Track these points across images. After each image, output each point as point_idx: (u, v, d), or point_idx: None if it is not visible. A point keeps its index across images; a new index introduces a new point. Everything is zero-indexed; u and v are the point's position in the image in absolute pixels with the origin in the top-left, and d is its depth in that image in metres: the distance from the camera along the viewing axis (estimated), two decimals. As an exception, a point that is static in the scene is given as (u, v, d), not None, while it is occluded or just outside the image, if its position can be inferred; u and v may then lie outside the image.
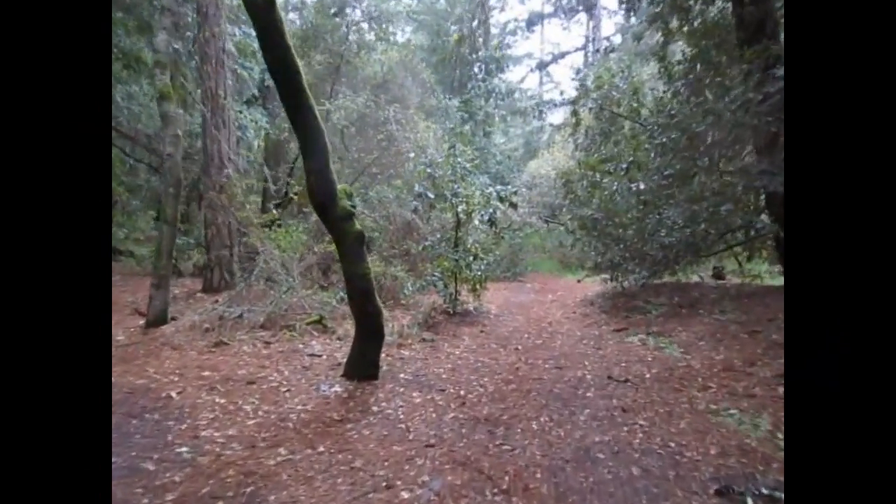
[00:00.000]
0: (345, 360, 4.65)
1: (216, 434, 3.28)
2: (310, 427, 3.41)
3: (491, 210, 6.64)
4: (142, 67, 9.75)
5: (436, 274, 7.36)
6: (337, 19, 11.05)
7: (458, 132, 8.75)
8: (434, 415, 3.64)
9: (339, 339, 5.61)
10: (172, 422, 3.46)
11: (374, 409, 3.76)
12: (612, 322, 6.80)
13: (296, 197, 8.58)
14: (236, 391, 4.05)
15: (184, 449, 3.06)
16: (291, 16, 12.16)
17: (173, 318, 6.30)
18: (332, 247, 5.21)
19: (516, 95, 24.47)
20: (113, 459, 2.89)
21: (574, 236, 9.65)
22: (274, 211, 8.04)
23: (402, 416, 3.60)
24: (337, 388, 4.12)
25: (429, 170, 7.19)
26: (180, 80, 9.83)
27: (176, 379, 4.30)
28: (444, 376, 4.58)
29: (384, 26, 13.86)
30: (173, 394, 3.92)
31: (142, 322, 6.20)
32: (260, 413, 3.64)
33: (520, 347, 5.74)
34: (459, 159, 7.38)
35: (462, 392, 4.12)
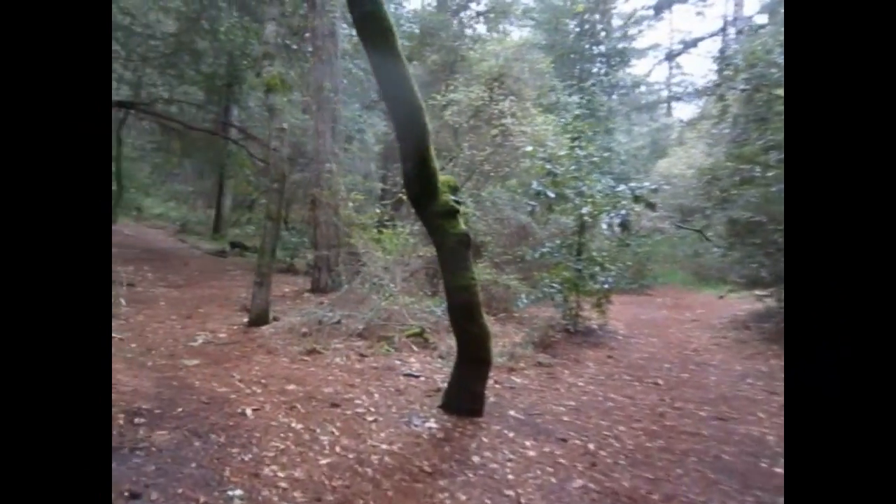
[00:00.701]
0: (445, 385, 3.87)
1: (280, 474, 2.64)
2: (392, 479, 2.65)
3: (623, 212, 5.50)
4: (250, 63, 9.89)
5: (553, 285, 6.35)
6: (454, 8, 10.50)
7: (581, 122, 7.66)
8: (554, 479, 2.70)
9: (440, 357, 4.85)
10: (237, 449, 2.90)
11: (475, 459, 2.91)
12: (782, 354, 5.30)
13: (405, 197, 8.06)
14: (317, 414, 3.43)
15: (237, 493, 2.45)
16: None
17: (275, 319, 5.99)
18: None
19: (642, 89, 22.39)
20: (153, 495, 2.36)
21: (717, 243, 8.04)
22: (378, 210, 7.55)
23: (510, 477, 2.70)
24: (432, 424, 3.33)
25: (548, 166, 6.21)
26: (289, 74, 9.85)
27: (258, 391, 3.82)
28: (565, 418, 3.61)
29: (498, 25, 13.14)
30: (249, 411, 3.40)
31: (246, 320, 5.98)
32: (337, 449, 2.97)
33: (661, 382, 4.56)
34: (584, 153, 6.32)
35: (591, 446, 3.12)
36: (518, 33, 15.77)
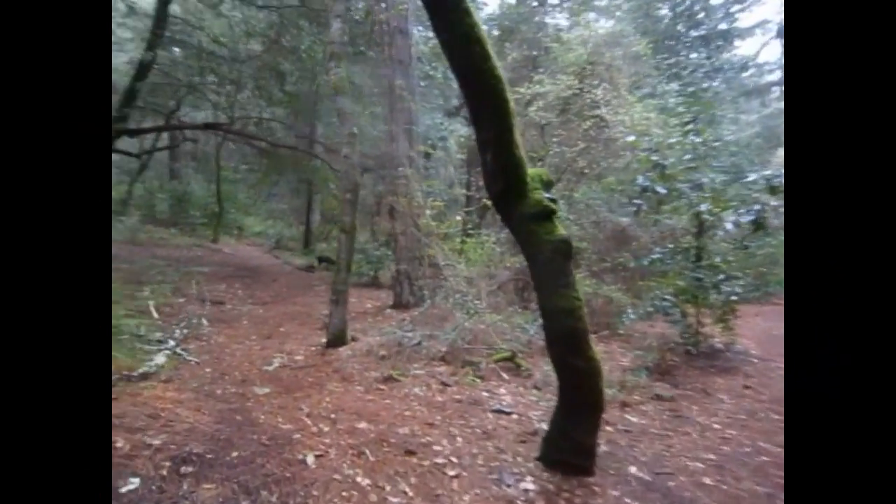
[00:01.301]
0: (542, 426, 3.13)
1: (336, 557, 2.06)
2: (478, 573, 1.97)
3: (757, 207, 4.42)
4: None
5: (666, 297, 5.34)
6: (535, 4, 9.76)
7: (699, 101, 6.57)
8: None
9: (535, 387, 4.10)
10: (290, 513, 2.38)
11: (590, 546, 2.14)
12: None
13: (489, 203, 7.41)
14: (388, 464, 2.84)
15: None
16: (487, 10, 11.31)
17: (353, 339, 5.57)
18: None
19: (750, 72, 20.02)
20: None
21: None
22: (459, 218, 6.94)
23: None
24: (529, 485, 2.60)
25: (655, 157, 5.25)
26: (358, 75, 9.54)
27: (325, 429, 3.31)
28: (706, 480, 2.72)
29: (582, 15, 12.17)
30: (310, 458, 2.88)
31: (324, 340, 5.60)
32: (409, 519, 2.34)
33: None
34: (699, 139, 5.29)
35: (755, 532, 2.24)
36: (604, 24, 14.65)
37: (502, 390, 4.08)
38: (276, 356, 5.07)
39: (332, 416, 3.54)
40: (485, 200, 6.73)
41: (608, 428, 3.39)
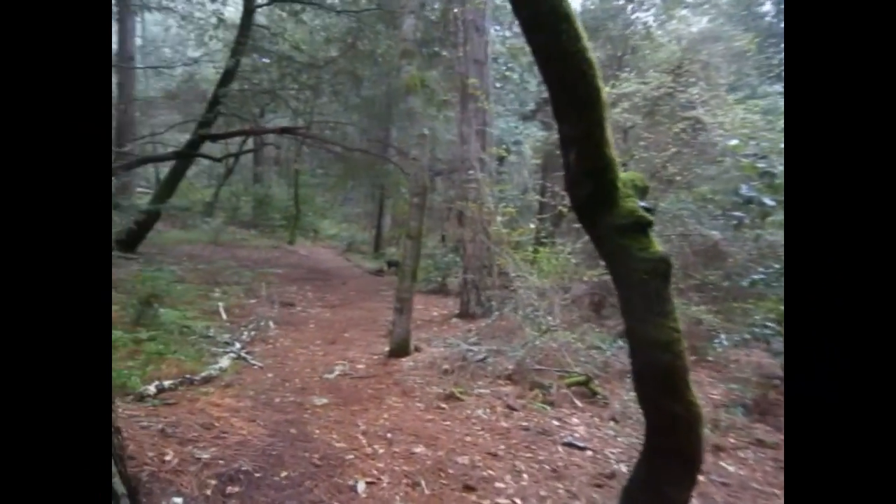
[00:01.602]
0: (621, 467, 2.71)
1: None
2: None
3: None
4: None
5: (768, 324, 4.66)
6: (622, 1, 9.19)
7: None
8: None
9: (613, 419, 3.65)
10: (334, 553, 2.14)
11: None
12: None
13: (565, 210, 6.95)
14: (444, 501, 2.54)
15: None
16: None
17: (417, 349, 5.35)
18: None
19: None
20: None
21: None
22: (532, 225, 6.54)
23: None
24: (606, 547, 2.21)
25: (761, 164, 4.61)
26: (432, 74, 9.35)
27: (380, 450, 3.07)
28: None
29: (674, 12, 11.35)
30: (361, 485, 2.64)
31: (387, 349, 5.42)
32: (464, 574, 2.03)
33: None
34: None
35: None
36: (698, 20, 13.63)
37: (575, 420, 3.66)
38: (337, 364, 4.94)
39: (389, 435, 3.31)
40: (560, 208, 6.31)
41: (700, 477, 2.89)
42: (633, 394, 2.87)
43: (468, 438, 3.32)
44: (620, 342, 4.80)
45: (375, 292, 9.25)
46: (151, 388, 3.49)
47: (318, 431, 3.31)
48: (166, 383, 3.67)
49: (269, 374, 4.53)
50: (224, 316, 5.57)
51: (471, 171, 5.89)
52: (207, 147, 9.66)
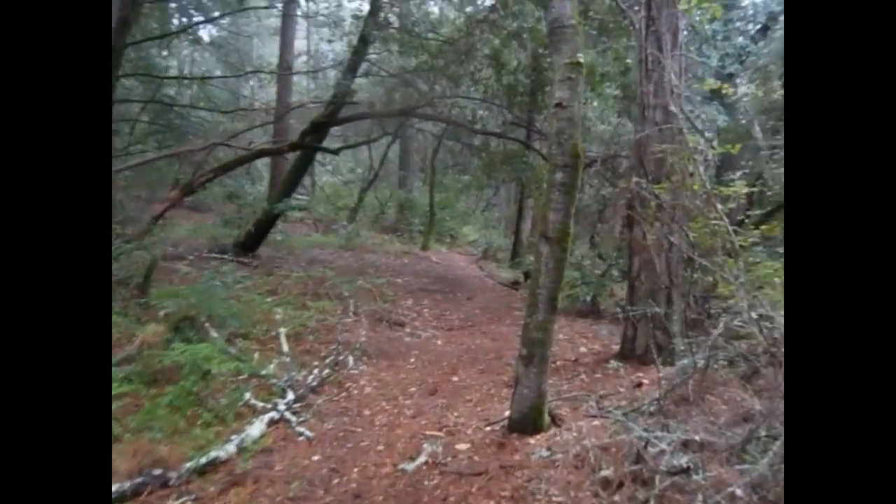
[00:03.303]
0: None
1: None
2: None
3: None
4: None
5: None
6: None
7: None
8: None
9: None
10: None
11: None
12: None
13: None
14: None
15: None
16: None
17: (555, 421, 3.19)
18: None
19: None
20: None
21: None
22: (752, 225, 3.91)
23: None
24: None
25: None
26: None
27: None
28: None
29: None
30: None
31: (507, 415, 3.33)
32: None
33: None
34: None
35: None
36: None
37: None
38: (428, 439, 3.01)
39: None
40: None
41: None
42: None
43: None
44: None
45: (506, 310, 7.18)
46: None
47: None
48: (113, 486, 2.05)
49: (316, 457, 2.77)
50: (285, 347, 3.98)
51: (658, 126, 3.39)
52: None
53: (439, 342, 5.38)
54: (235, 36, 22.14)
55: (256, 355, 3.90)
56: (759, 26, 9.60)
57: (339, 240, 11.63)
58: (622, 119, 10.38)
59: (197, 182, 7.17)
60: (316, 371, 3.89)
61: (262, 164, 15.87)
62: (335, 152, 7.73)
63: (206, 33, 17.85)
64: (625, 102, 9.61)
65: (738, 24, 9.44)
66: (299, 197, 18.89)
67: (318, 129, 7.10)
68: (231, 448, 2.65)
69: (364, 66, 9.40)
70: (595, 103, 9.91)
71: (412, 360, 4.61)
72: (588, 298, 6.64)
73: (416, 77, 9.59)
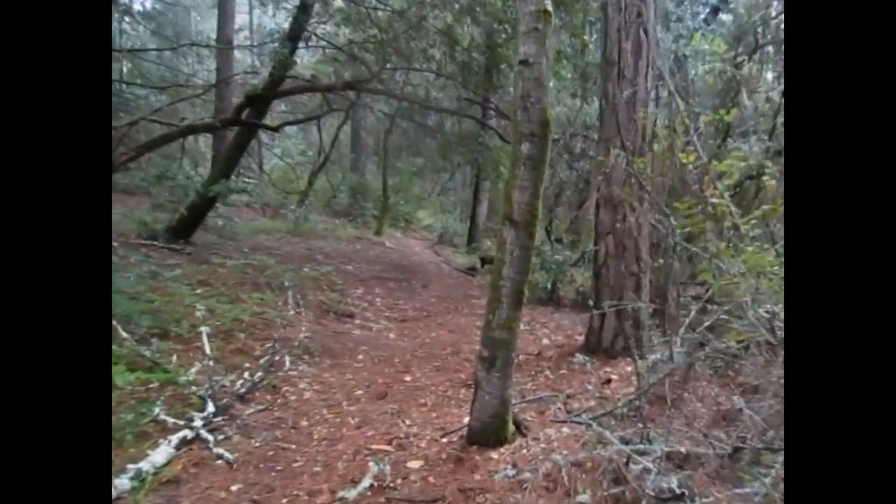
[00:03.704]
0: None
1: None
2: None
3: None
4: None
5: None
6: None
7: None
8: None
9: None
10: None
11: None
12: None
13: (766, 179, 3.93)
14: None
15: None
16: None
17: (520, 429, 2.79)
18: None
19: None
20: None
21: None
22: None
23: None
24: None
25: None
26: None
27: None
28: None
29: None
30: None
31: (466, 421, 2.90)
32: None
33: None
34: None
35: None
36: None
37: None
38: (374, 459, 2.54)
39: None
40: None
41: None
42: None
43: None
44: None
45: (464, 299, 6.78)
46: None
47: None
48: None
49: (236, 486, 2.25)
50: (208, 349, 3.38)
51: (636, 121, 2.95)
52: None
53: (392, 335, 4.90)
54: (172, 7, 20.38)
55: (175, 358, 3.28)
56: (709, 9, 9.50)
57: (288, 225, 10.88)
58: (577, 100, 10.13)
59: (118, 161, 6.30)
60: (247, 375, 3.32)
61: (206, 146, 14.75)
62: (275, 129, 6.99)
63: (138, 4, 16.32)
64: (580, 83, 9.34)
65: (689, 6, 9.30)
66: (247, 180, 17.77)
67: (255, 104, 6.35)
68: (124, 482, 2.09)
69: (309, 40, 8.65)
70: (551, 84, 9.59)
71: (360, 357, 4.11)
72: (549, 286, 6.31)
73: (365, 53, 8.92)
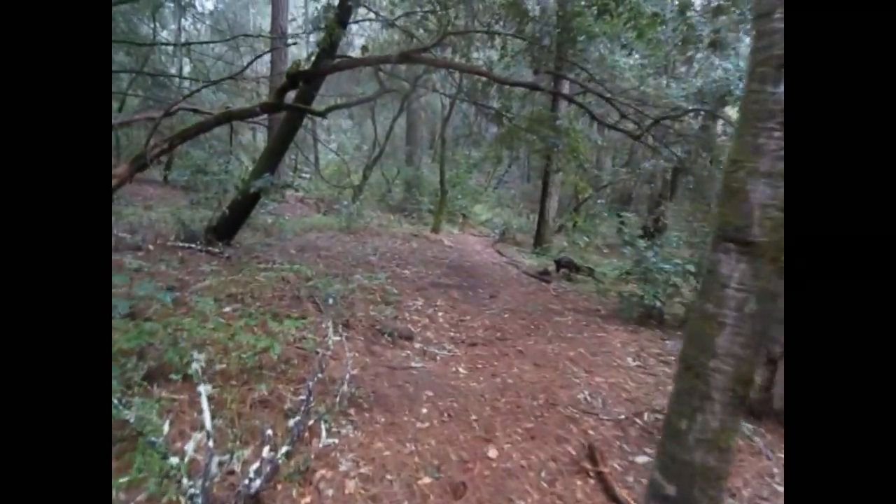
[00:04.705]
0: None
1: None
2: None
3: None
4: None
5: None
6: None
7: None
8: None
9: None
10: None
11: None
12: None
13: None
14: None
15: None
16: None
17: None
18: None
19: None
20: None
21: None
22: None
23: None
24: None
25: None
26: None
27: None
28: None
29: None
30: None
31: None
32: None
33: None
34: None
35: None
36: None
37: None
38: None
39: None
40: None
41: None
42: None
43: None
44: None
45: (544, 314, 5.50)
46: None
47: None
48: None
49: None
50: (208, 422, 2.30)
51: None
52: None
53: (461, 369, 3.74)
54: (230, 5, 20.07)
55: (167, 426, 2.26)
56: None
57: (341, 221, 10.00)
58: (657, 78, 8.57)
59: (152, 154, 5.49)
60: (266, 450, 2.25)
61: (263, 140, 14.27)
62: (322, 115, 5.97)
63: (198, 4, 16.06)
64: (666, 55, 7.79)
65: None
66: (304, 175, 17.20)
67: (297, 84, 5.36)
68: None
69: (362, 14, 7.62)
70: (636, 56, 8.07)
71: (424, 411, 2.97)
72: (657, 303, 4.92)
73: (422, 30, 7.79)
